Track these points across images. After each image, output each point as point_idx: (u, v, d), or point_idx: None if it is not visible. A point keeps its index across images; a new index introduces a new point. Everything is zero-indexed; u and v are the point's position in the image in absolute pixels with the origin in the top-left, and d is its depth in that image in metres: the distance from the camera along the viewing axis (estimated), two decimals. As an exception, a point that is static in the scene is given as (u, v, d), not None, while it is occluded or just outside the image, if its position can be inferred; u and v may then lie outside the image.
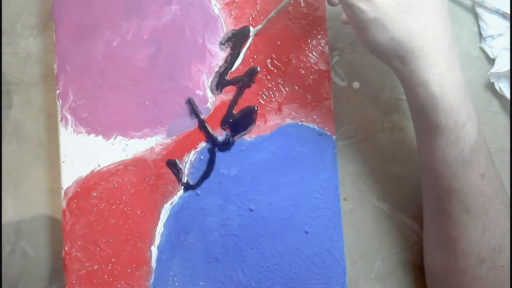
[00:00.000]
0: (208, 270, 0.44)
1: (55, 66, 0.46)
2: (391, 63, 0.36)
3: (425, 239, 0.43)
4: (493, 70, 0.46)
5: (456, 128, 0.35)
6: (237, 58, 0.46)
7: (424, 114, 0.36)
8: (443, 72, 0.34)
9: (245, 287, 0.44)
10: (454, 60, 0.35)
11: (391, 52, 0.35)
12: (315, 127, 0.45)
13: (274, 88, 0.46)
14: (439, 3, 0.35)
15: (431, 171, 0.38)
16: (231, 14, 0.47)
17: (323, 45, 0.46)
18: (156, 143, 0.46)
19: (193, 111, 0.46)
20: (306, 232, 0.44)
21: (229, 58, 0.46)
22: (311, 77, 0.46)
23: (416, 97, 0.36)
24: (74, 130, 0.46)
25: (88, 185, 0.45)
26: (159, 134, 0.46)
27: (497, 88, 0.47)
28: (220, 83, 0.46)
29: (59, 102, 0.46)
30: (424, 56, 0.34)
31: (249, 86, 0.46)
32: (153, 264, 0.45)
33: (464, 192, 0.36)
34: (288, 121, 0.46)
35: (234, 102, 0.46)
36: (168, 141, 0.46)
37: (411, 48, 0.34)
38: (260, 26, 0.45)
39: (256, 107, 0.46)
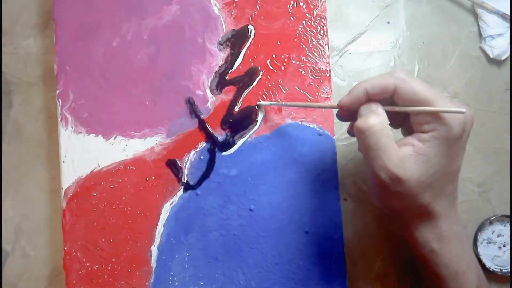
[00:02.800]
0: (208, 270, 0.44)
1: (55, 66, 0.46)
2: (398, 216, 0.38)
3: None
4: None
5: (457, 277, 0.36)
6: (237, 58, 0.46)
7: (425, 264, 0.37)
8: (443, 232, 0.36)
9: (245, 287, 0.44)
10: (454, 216, 0.37)
11: (400, 213, 0.37)
12: (315, 127, 0.45)
13: (274, 88, 0.46)
14: (457, 171, 0.36)
15: None
16: (231, 14, 0.47)
17: (323, 45, 0.46)
18: (156, 143, 0.46)
19: (193, 111, 0.46)
20: (306, 232, 0.44)
21: (229, 58, 0.46)
22: (311, 77, 0.46)
23: (417, 249, 0.37)
24: (74, 130, 0.46)
25: (88, 185, 0.45)
26: (159, 134, 0.46)
27: (489, 53, 0.48)
28: (220, 83, 0.46)
29: (59, 102, 0.46)
30: (429, 220, 0.36)
31: (249, 86, 0.46)
32: (153, 264, 0.45)
33: None
34: (288, 121, 0.46)
35: (234, 102, 0.46)
36: (168, 141, 0.46)
37: (420, 214, 0.36)
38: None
39: (256, 107, 0.46)
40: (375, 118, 0.34)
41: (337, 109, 0.38)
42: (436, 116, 0.33)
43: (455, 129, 0.33)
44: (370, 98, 0.35)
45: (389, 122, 0.35)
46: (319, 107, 0.43)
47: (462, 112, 0.32)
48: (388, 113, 0.35)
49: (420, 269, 0.40)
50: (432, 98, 0.33)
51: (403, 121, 0.38)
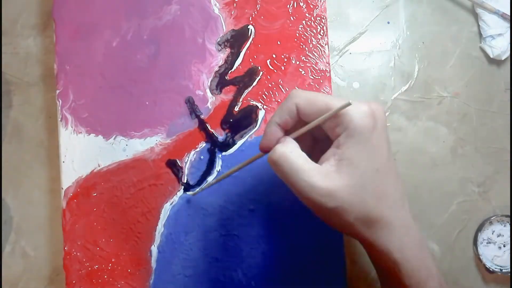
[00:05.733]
0: (208, 270, 0.44)
1: (55, 66, 0.46)
2: (353, 236, 0.36)
3: None
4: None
5: (419, 286, 0.35)
6: (237, 58, 0.46)
7: (389, 276, 0.36)
8: (401, 238, 0.35)
9: (245, 287, 0.44)
10: (408, 218, 0.36)
11: (352, 229, 0.35)
12: (315, 127, 0.45)
13: (274, 88, 0.46)
14: (389, 167, 0.35)
15: None
16: (231, 14, 0.47)
17: (323, 45, 0.46)
18: (156, 143, 0.46)
19: (193, 110, 0.46)
20: (306, 232, 0.44)
21: (229, 58, 0.46)
22: (311, 77, 0.46)
23: (379, 262, 0.36)
24: (74, 130, 0.46)
25: (88, 185, 0.45)
26: (159, 134, 0.46)
27: (489, 53, 0.48)
28: (220, 83, 0.46)
29: (59, 102, 0.46)
30: (383, 229, 0.34)
31: (249, 86, 0.46)
32: (153, 264, 0.45)
33: None
34: (288, 121, 0.45)
35: (234, 102, 0.46)
36: (168, 141, 0.46)
37: (371, 223, 0.34)
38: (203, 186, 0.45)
39: (257, 106, 0.46)
40: (281, 146, 0.34)
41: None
42: (340, 116, 0.33)
43: (364, 121, 0.33)
44: (285, 130, 0.35)
45: (300, 146, 0.35)
46: (249, 162, 0.40)
47: (349, 104, 0.32)
48: (308, 137, 0.37)
49: (382, 283, 0.39)
50: (327, 100, 0.33)
51: (326, 138, 0.37)
